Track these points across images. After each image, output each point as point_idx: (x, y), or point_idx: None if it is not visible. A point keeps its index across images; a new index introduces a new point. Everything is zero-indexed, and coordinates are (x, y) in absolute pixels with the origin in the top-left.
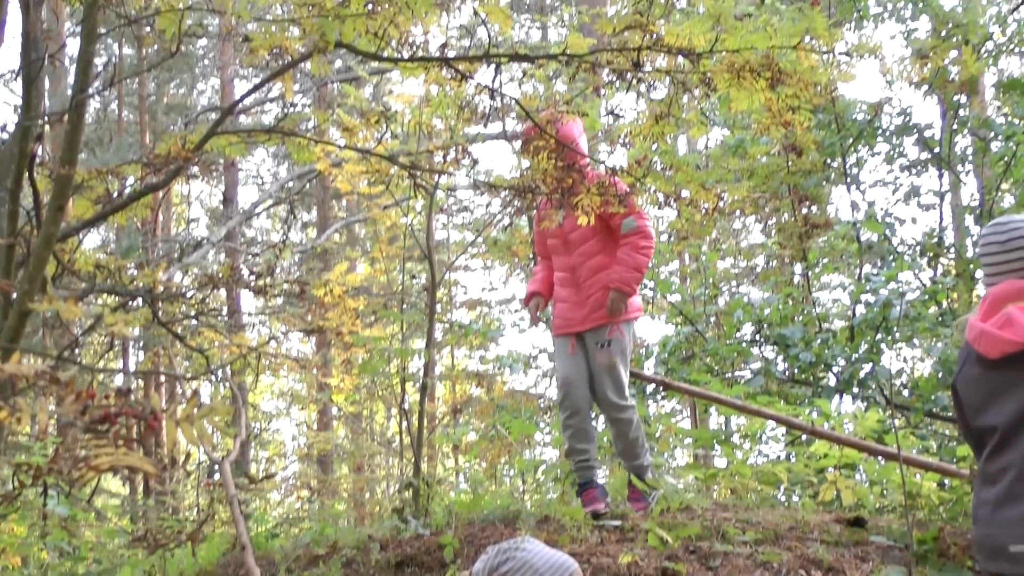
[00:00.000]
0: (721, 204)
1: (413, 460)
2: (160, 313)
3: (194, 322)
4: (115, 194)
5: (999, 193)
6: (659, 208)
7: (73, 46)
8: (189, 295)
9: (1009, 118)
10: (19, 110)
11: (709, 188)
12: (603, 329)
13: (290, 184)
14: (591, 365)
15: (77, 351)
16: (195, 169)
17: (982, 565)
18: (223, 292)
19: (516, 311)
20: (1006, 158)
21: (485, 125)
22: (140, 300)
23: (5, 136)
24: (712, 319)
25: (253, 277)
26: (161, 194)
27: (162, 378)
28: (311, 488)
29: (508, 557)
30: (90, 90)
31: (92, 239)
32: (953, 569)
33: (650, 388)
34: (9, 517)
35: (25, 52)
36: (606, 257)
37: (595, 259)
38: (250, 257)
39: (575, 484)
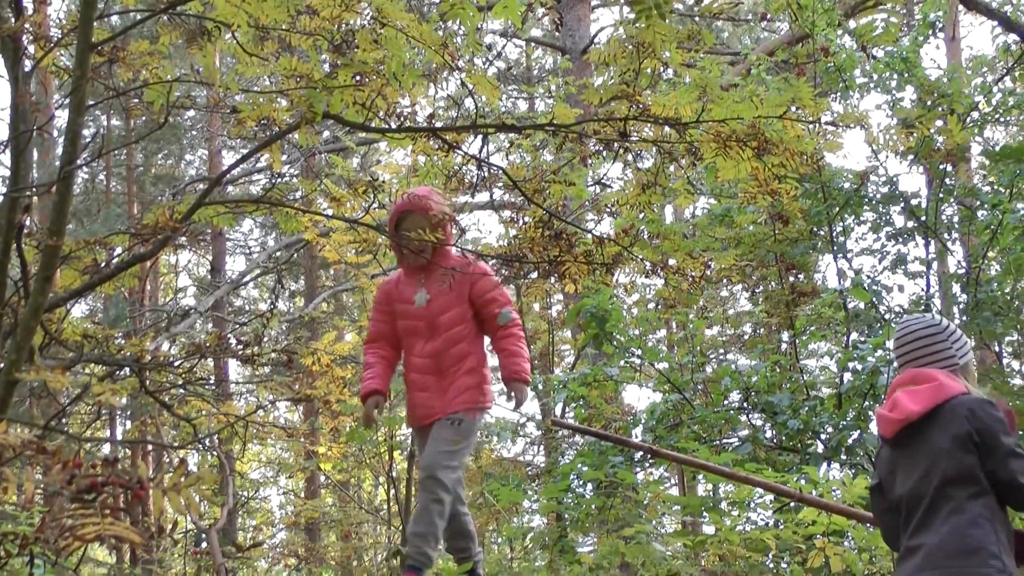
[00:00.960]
0: (708, 272)
1: (400, 528)
2: (148, 382)
3: (181, 391)
4: (103, 264)
5: (986, 261)
6: (647, 276)
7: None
8: (176, 364)
9: (995, 186)
10: (7, 181)
11: (696, 256)
12: (461, 412)
13: (278, 254)
14: (430, 443)
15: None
16: (183, 239)
17: None
18: (210, 361)
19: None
20: (992, 226)
21: (472, 195)
22: (128, 369)
23: None
24: (700, 387)
25: (240, 346)
26: (149, 264)
27: (149, 447)
28: (299, 556)
29: None
30: (78, 161)
31: (80, 308)
32: None
33: (638, 455)
34: None
35: (14, 124)
36: (468, 345)
37: (459, 346)
38: (238, 326)
39: (563, 551)
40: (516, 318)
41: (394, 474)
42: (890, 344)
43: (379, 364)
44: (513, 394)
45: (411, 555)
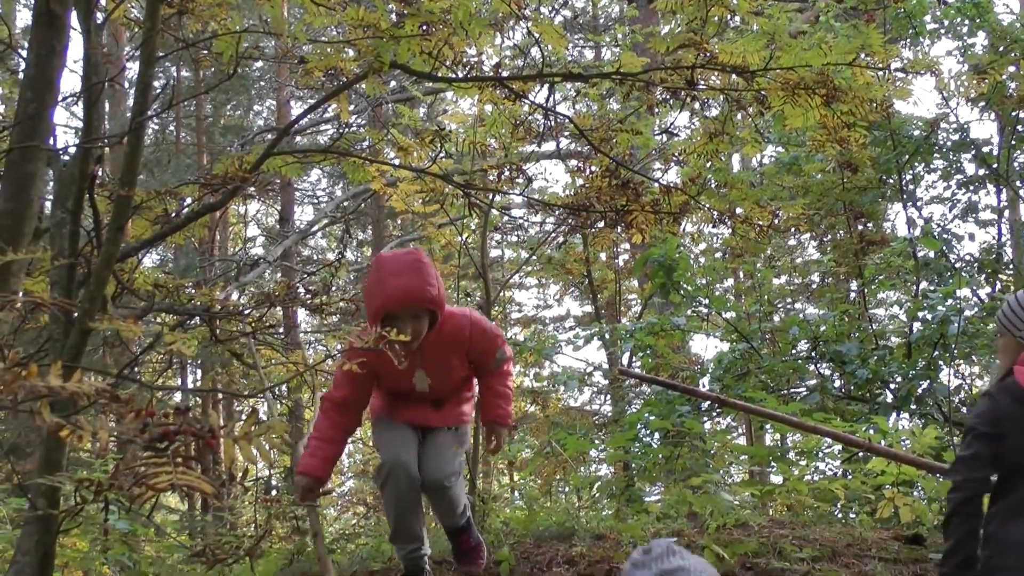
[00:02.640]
0: (776, 221)
1: (468, 476)
2: (218, 331)
3: (251, 340)
4: (173, 214)
5: None
6: (714, 226)
7: (132, 69)
8: (246, 313)
9: None
10: (80, 132)
11: (764, 205)
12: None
13: (345, 203)
14: (430, 450)
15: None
16: (251, 189)
17: None
18: (279, 310)
19: (571, 328)
20: None
21: (539, 144)
22: (198, 319)
23: (66, 158)
24: (767, 336)
25: (309, 295)
26: (218, 214)
27: (220, 396)
28: (367, 504)
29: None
30: (149, 112)
31: (150, 259)
32: None
33: (705, 405)
34: (72, 532)
35: (86, 76)
36: (467, 387)
37: (459, 392)
38: (306, 276)
39: (630, 501)
40: (509, 356)
41: None
42: (961, 292)
43: (330, 444)
44: (493, 437)
45: (412, 564)
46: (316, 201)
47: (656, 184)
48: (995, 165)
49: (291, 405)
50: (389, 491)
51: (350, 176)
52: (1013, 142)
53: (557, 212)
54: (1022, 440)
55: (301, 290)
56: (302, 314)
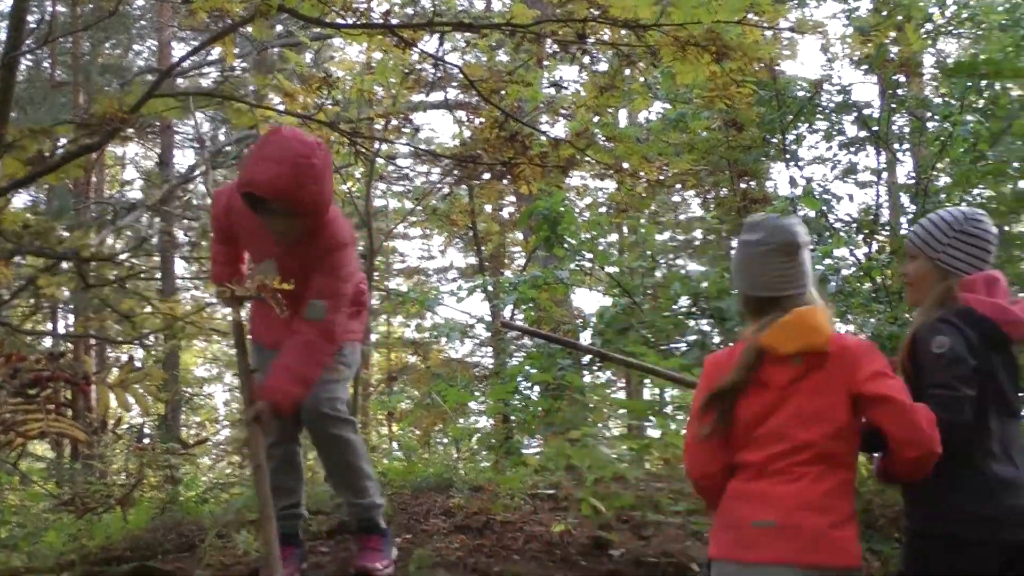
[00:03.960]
0: (662, 177)
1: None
2: (89, 277)
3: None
4: (48, 154)
5: (935, 172)
6: (600, 179)
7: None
8: (120, 258)
9: (946, 99)
10: None
11: (650, 161)
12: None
13: (228, 148)
14: None
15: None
16: (131, 131)
17: (1010, 535)
18: (156, 257)
19: (454, 279)
20: (942, 138)
21: (427, 94)
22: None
23: None
24: (649, 291)
25: (188, 242)
26: (95, 155)
27: (92, 342)
28: (243, 453)
29: None
30: (22, 48)
31: (22, 199)
32: (880, 540)
33: (586, 359)
34: None
35: None
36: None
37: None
38: (185, 222)
39: (509, 453)
40: (328, 320)
41: None
42: (839, 252)
43: (223, 256)
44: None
45: (357, 517)
46: (197, 146)
47: (544, 137)
48: (875, 128)
49: (166, 353)
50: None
51: (233, 121)
52: (893, 105)
53: (444, 163)
54: (986, 375)
55: (180, 236)
56: (180, 261)
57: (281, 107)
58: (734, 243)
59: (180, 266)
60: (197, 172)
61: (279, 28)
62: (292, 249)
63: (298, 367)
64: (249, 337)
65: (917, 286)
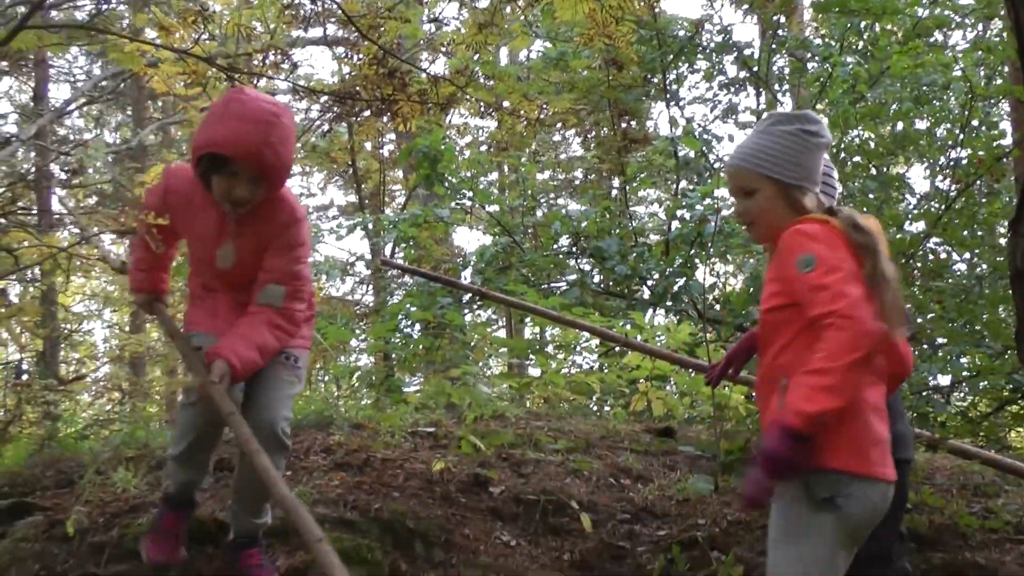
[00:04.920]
0: (541, 116)
1: None
2: None
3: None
4: None
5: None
6: (480, 117)
7: None
8: None
9: (826, 39)
10: None
11: (530, 100)
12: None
13: (104, 83)
14: (258, 386)
15: None
16: (3, 64)
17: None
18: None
19: (334, 217)
20: (822, 79)
21: (306, 29)
22: None
23: None
24: (529, 230)
25: (64, 176)
26: None
27: None
28: (123, 390)
29: None
30: None
31: None
32: None
33: (466, 297)
34: None
35: None
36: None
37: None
38: (61, 156)
39: (389, 391)
40: (284, 306)
41: None
42: (719, 192)
43: (155, 264)
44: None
45: (244, 532)
46: (73, 79)
47: (423, 74)
48: (755, 68)
49: (44, 288)
50: (194, 416)
51: (111, 56)
52: (773, 46)
53: (323, 99)
54: None
55: (56, 170)
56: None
57: (157, 41)
58: (615, 183)
59: (55, 202)
60: (73, 106)
61: None
62: (242, 229)
63: (256, 336)
64: (183, 329)
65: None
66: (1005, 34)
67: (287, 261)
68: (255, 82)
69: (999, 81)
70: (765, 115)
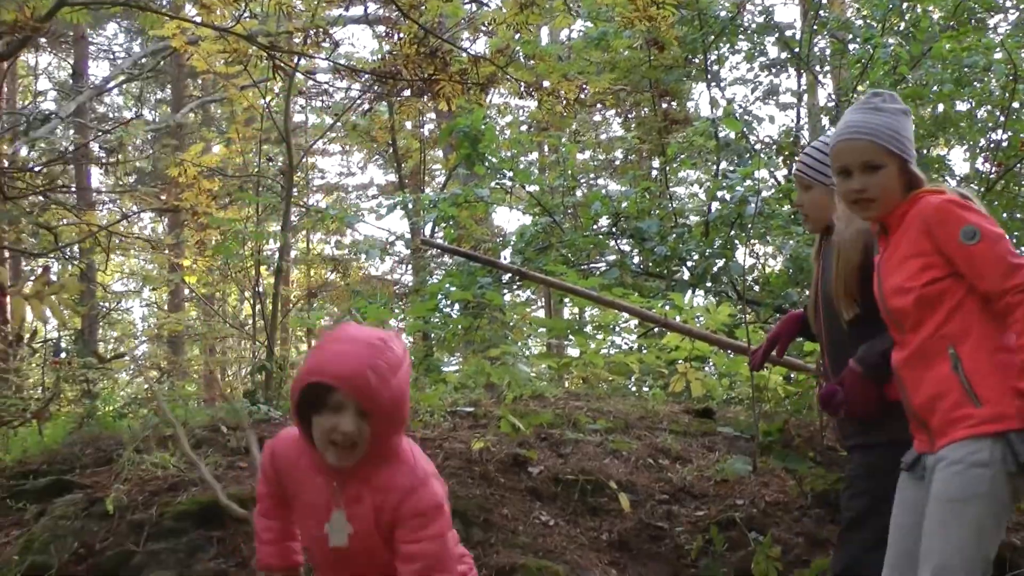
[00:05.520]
0: (582, 95)
1: (266, 343)
2: (5, 187)
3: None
4: None
5: (855, 95)
6: (520, 98)
7: None
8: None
9: (867, 20)
10: None
11: (571, 79)
12: None
13: (143, 60)
14: None
15: None
16: (43, 40)
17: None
18: (72, 168)
19: (374, 196)
20: (863, 60)
21: (347, 8)
22: None
23: None
24: (569, 211)
25: (103, 154)
26: (6, 65)
27: (7, 254)
28: (161, 369)
29: None
30: None
31: None
32: (796, 459)
33: (506, 277)
34: None
35: None
36: None
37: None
38: (100, 134)
39: (428, 370)
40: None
41: (260, 289)
42: (759, 174)
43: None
44: None
45: None
46: (112, 56)
47: (464, 54)
48: (796, 49)
49: (83, 266)
50: None
51: (146, 25)
52: (815, 27)
53: (363, 78)
54: None
55: (95, 148)
56: (96, 173)
57: (198, 18)
58: (655, 163)
59: (96, 179)
60: (112, 84)
61: None
62: (353, 493)
63: None
64: None
65: (816, 215)
66: None
67: (428, 541)
68: (296, 60)
69: None
70: (869, 94)
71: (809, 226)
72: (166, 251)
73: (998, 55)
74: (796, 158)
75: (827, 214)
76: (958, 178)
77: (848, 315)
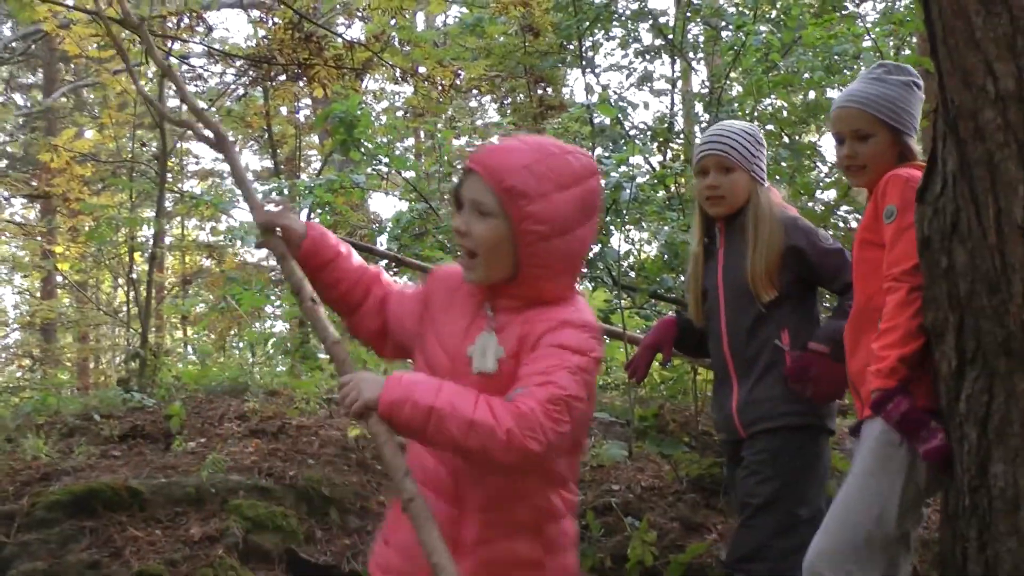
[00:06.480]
0: (458, 81)
1: (140, 330)
2: None
3: None
4: None
5: (728, 82)
6: (396, 83)
7: None
8: None
9: (739, 8)
10: None
11: (446, 65)
12: None
13: (13, 44)
14: None
15: None
16: None
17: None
18: None
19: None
20: (736, 47)
21: None
22: None
23: None
24: (446, 196)
25: None
26: None
27: None
28: (33, 357)
29: None
30: None
31: None
32: (671, 444)
33: (382, 263)
34: None
35: None
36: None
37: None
38: None
39: (304, 358)
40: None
41: (134, 276)
42: (634, 160)
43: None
44: None
45: None
46: None
47: (339, 39)
48: (670, 36)
49: None
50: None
51: (18, 15)
52: (688, 14)
53: (238, 63)
54: None
55: None
56: None
57: (70, 1)
58: None
59: None
60: None
61: None
62: (509, 322)
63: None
64: None
65: (731, 199)
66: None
67: (545, 363)
68: (169, 44)
69: (908, 52)
70: (875, 65)
71: (716, 208)
72: (38, 237)
73: (867, 43)
74: (711, 139)
75: (741, 200)
76: (829, 164)
77: (766, 298)
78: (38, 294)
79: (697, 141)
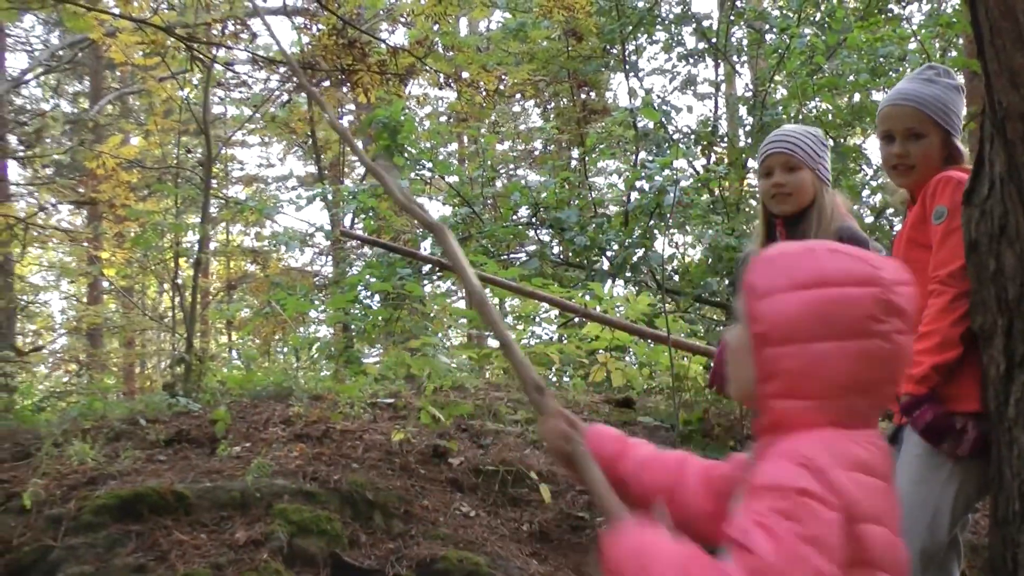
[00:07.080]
0: (501, 86)
1: (186, 335)
2: None
3: None
4: None
5: (772, 84)
6: (439, 88)
7: None
8: None
9: (783, 11)
10: None
11: (490, 70)
12: None
13: (61, 52)
14: None
15: None
16: None
17: None
18: None
19: (293, 188)
20: (779, 50)
21: None
22: None
23: None
24: (489, 201)
25: (21, 146)
26: None
27: None
28: (80, 362)
29: None
30: None
31: None
32: (716, 448)
33: (426, 268)
34: None
35: None
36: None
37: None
38: (17, 126)
39: (348, 362)
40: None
41: (179, 281)
42: (678, 164)
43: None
44: None
45: None
46: (30, 48)
47: (383, 45)
48: (714, 39)
49: (1, 259)
50: None
51: (67, 24)
52: (732, 17)
53: (282, 70)
54: None
55: (12, 141)
56: (13, 166)
57: (116, 10)
58: (574, 153)
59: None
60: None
61: None
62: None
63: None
64: None
65: (799, 197)
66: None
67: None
68: (214, 51)
69: (954, 54)
70: (924, 67)
71: (783, 206)
72: (84, 243)
73: (912, 45)
74: (776, 138)
75: (807, 198)
76: (875, 167)
77: None
78: (85, 299)
79: (762, 143)
